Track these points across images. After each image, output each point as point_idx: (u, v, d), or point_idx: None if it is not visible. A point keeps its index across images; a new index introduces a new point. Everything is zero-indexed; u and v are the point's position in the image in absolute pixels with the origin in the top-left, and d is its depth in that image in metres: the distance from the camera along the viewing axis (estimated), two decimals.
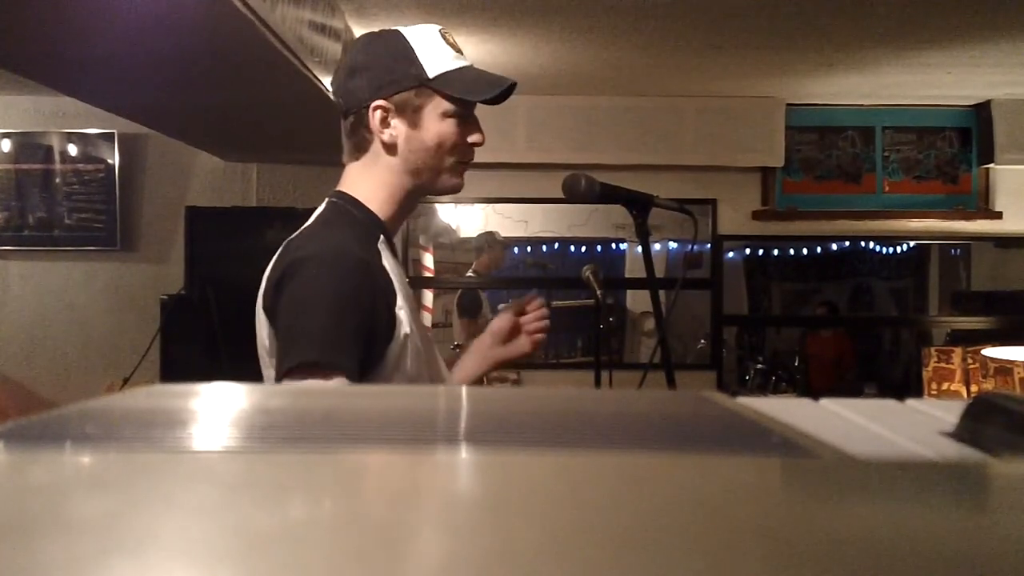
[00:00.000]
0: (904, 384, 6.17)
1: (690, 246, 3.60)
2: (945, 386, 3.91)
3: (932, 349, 4.12)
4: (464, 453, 0.44)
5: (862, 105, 4.98)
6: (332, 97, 1.62)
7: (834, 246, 6.15)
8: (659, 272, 2.55)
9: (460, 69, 1.50)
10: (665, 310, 2.05)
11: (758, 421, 0.49)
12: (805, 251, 6.70)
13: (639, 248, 1.90)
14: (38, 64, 2.85)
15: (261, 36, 2.38)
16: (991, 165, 4.96)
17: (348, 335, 1.35)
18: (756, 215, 5.04)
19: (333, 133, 1.60)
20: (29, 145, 4.80)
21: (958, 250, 6.12)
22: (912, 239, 5.49)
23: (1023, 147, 4.83)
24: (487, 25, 3.44)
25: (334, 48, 3.12)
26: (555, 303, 5.46)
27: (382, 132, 1.49)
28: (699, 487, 0.34)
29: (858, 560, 0.25)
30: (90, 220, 4.81)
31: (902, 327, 6.94)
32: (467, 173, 1.55)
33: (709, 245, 5.03)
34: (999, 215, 5.02)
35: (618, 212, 2.84)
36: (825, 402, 0.55)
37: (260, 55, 2.57)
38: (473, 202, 5.11)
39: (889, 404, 0.55)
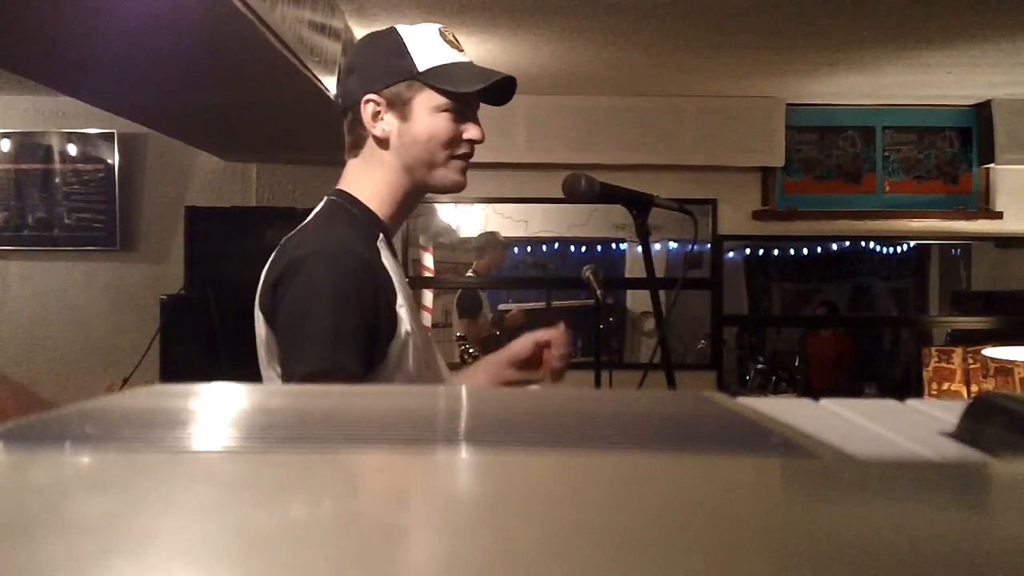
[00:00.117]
0: (904, 384, 6.17)
1: (690, 246, 3.60)
2: (945, 386, 3.91)
3: (932, 349, 4.11)
4: (464, 453, 0.44)
5: (862, 105, 4.98)
6: (333, 98, 1.63)
7: (834, 246, 6.16)
8: (659, 272, 2.55)
9: (453, 63, 1.48)
10: (665, 310, 2.05)
11: (758, 421, 0.49)
12: (805, 251, 6.70)
13: (639, 248, 1.89)
14: (38, 64, 2.85)
15: (261, 36, 2.38)
16: (991, 165, 4.96)
17: (354, 336, 1.35)
18: (756, 215, 5.04)
19: (333, 133, 1.60)
20: (29, 145, 4.81)
21: (958, 250, 6.12)
22: (912, 239, 5.49)
23: (1023, 147, 4.83)
24: (487, 25, 3.44)
25: (334, 48, 3.12)
26: (555, 303, 5.46)
27: (374, 126, 1.48)
28: (699, 487, 0.34)
29: (858, 560, 0.25)
30: (90, 220, 4.81)
31: (902, 327, 6.94)
32: (468, 173, 1.54)
33: (709, 245, 5.03)
34: (999, 215, 5.02)
35: (618, 212, 2.84)
36: (825, 402, 0.55)
37: (260, 55, 2.57)
38: (473, 202, 5.12)
39: (889, 404, 0.55)
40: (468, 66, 1.51)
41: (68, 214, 4.81)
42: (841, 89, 4.63)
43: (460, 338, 3.59)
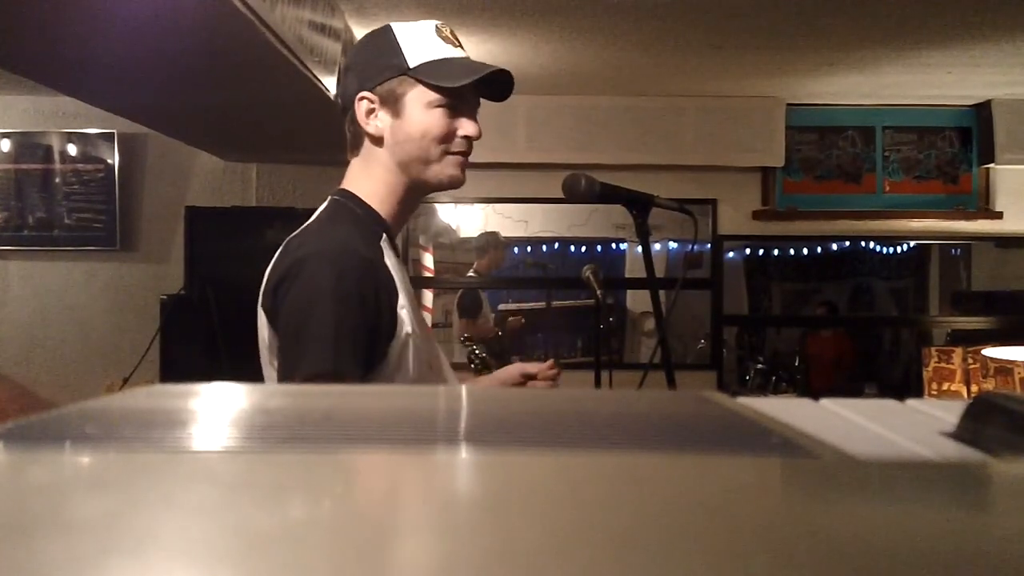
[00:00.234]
0: (904, 384, 6.16)
1: (690, 246, 3.60)
2: (945, 386, 3.91)
3: (932, 349, 4.11)
4: (464, 453, 0.44)
5: (862, 105, 4.98)
6: (333, 98, 1.63)
7: (834, 246, 6.15)
8: (659, 272, 2.55)
9: (446, 59, 1.47)
10: (665, 310, 2.05)
11: (758, 421, 0.49)
12: (805, 251, 6.69)
13: (639, 248, 1.89)
14: (38, 64, 2.85)
15: (261, 36, 2.38)
16: (991, 165, 4.96)
17: (356, 337, 1.35)
18: (756, 215, 5.04)
19: (333, 133, 1.60)
20: (29, 145, 4.81)
21: (958, 250, 6.11)
22: (912, 239, 5.49)
23: (1023, 147, 4.83)
24: (487, 25, 3.44)
25: (334, 48, 3.12)
26: (555, 303, 5.46)
27: (368, 123, 1.48)
28: (699, 487, 0.34)
29: (858, 560, 0.25)
30: (90, 220, 4.81)
31: (902, 327, 6.93)
32: (467, 173, 1.53)
33: (709, 245, 5.03)
34: (999, 215, 5.02)
35: (618, 212, 2.84)
36: (825, 402, 0.55)
37: (260, 55, 2.57)
38: (473, 202, 5.12)
39: (889, 404, 0.55)
40: (462, 61, 1.49)
41: (68, 214, 4.81)
42: (841, 89, 4.63)
43: (467, 339, 3.59)
